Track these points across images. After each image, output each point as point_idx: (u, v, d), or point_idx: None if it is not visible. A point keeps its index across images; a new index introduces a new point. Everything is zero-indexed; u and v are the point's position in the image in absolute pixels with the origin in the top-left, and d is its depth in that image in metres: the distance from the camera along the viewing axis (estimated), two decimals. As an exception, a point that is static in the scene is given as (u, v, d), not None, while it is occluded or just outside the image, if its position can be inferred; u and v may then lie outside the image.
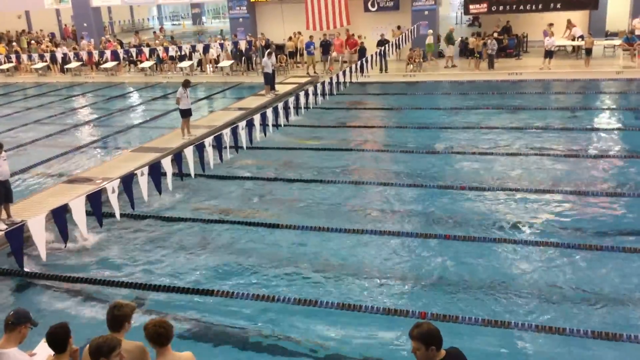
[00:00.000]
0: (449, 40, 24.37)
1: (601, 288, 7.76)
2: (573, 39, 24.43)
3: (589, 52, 22.14)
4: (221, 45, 26.70)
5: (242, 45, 25.76)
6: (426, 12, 25.44)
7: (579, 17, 25.46)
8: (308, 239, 9.73)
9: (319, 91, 17.59)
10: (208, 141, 12.07)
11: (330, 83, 18.29)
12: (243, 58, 25.74)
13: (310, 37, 24.95)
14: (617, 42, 23.48)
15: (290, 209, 11.14)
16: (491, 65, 22.88)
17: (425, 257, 8.94)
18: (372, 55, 21.07)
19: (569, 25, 24.90)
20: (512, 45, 25.09)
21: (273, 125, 14.90)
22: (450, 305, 7.59)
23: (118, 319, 4.42)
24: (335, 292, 8.07)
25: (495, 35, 24.00)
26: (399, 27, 25.04)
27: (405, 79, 23.12)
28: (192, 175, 11.72)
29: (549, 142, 14.19)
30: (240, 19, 28.59)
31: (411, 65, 23.73)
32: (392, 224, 10.19)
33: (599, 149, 13.56)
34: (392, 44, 22.97)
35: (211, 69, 26.65)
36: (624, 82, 20.31)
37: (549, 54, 21.84)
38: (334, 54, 24.92)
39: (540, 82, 21.10)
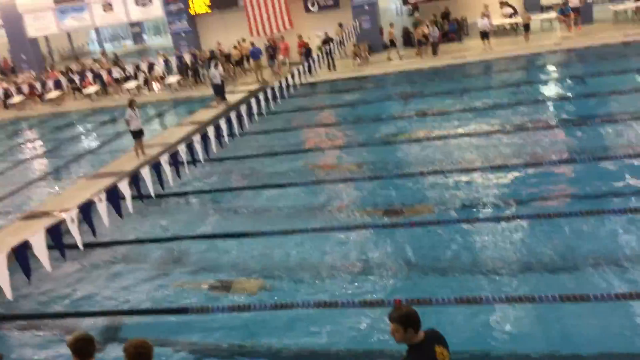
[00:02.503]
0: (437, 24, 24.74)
1: (562, 253, 8.01)
2: (509, 17, 25.07)
3: (527, 27, 22.75)
4: (166, 61, 26.41)
5: (187, 58, 25.53)
6: (366, 7, 25.68)
7: (514, -6, 26.12)
8: (278, 244, 9.73)
9: (270, 96, 17.59)
10: (164, 159, 11.94)
11: (280, 87, 18.31)
12: (189, 72, 25.53)
13: (252, 43, 24.91)
14: (553, 14, 24.20)
15: (256, 216, 11.12)
16: (435, 52, 23.27)
17: (393, 246, 9.06)
18: (318, 55, 21.17)
19: (502, 4, 25.52)
20: (453, 30, 25.56)
21: (228, 136, 14.84)
22: (422, 289, 7.72)
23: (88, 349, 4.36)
24: (311, 291, 8.11)
25: (427, 25, 24.32)
26: (340, 25, 25.23)
27: (354, 74, 23.27)
28: (152, 195, 11.58)
29: (499, 119, 14.53)
30: (183, 33, 28.32)
31: (358, 60, 23.94)
32: (359, 218, 10.28)
33: (547, 120, 13.95)
34: (337, 42, 23.13)
35: (158, 86, 26.33)
36: (563, 53, 20.93)
37: (485, 35, 22.36)
38: (281, 57, 24.94)
39: (484, 62, 21.54)
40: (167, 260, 9.82)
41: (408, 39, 25.95)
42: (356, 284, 8.15)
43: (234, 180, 13.41)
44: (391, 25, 24.40)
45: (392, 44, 24.07)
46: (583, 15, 22.95)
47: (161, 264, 9.73)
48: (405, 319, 3.98)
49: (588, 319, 6.62)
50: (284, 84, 18.44)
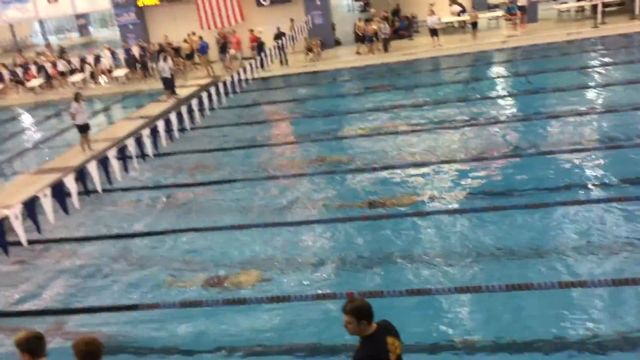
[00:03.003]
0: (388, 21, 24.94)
1: (507, 245, 8.24)
2: (458, 15, 25.59)
3: (474, 25, 23.28)
4: (113, 54, 25.76)
5: (136, 51, 24.98)
6: (318, 2, 25.71)
7: (463, -8, 26.65)
8: (229, 239, 9.65)
9: (221, 91, 17.42)
10: (112, 153, 11.67)
11: (232, 81, 18.16)
12: (138, 65, 24.99)
13: (200, 37, 24.57)
14: (500, 13, 24.83)
15: (207, 211, 11.00)
16: (386, 48, 23.52)
17: (345, 239, 9.13)
18: (270, 49, 21.07)
19: (451, 2, 26.03)
20: (403, 27, 25.89)
21: (179, 130, 14.62)
22: (374, 281, 7.81)
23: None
24: (265, 287, 8.08)
25: (380, 20, 24.57)
26: (292, 20, 25.17)
27: (306, 69, 23.29)
28: (99, 190, 11.30)
29: (448, 114, 14.80)
30: (130, 26, 27.68)
31: (310, 55, 23.96)
32: (311, 213, 10.31)
33: (494, 116, 14.28)
34: (289, 37, 23.09)
35: (105, 79, 25.66)
36: (509, 51, 21.51)
37: (434, 32, 22.77)
38: (232, 51, 24.71)
39: (433, 59, 21.91)
40: (115, 257, 9.60)
41: (359, 36, 26.12)
42: (308, 277, 8.17)
43: (185, 175, 13.21)
44: (359, 20, 24.32)
45: (361, 38, 24.05)
46: (529, 14, 23.64)
47: (108, 260, 9.50)
48: (358, 311, 4.04)
49: (532, 306, 6.84)
50: (235, 79, 18.29)
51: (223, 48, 24.46)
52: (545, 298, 6.92)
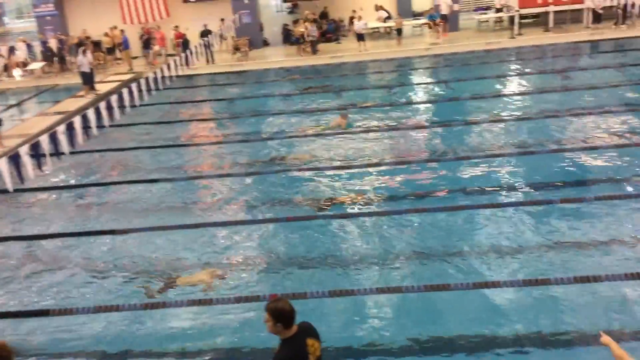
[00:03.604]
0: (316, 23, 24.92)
1: (430, 245, 8.47)
2: (384, 21, 26.10)
3: (399, 31, 23.83)
4: (28, 46, 24.47)
5: (53, 44, 23.83)
6: (246, 1, 25.50)
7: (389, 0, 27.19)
8: (148, 240, 9.36)
9: (143, 88, 16.91)
10: (24, 150, 11.06)
11: (155, 78, 17.67)
12: (55, 58, 23.85)
13: (122, 31, 23.80)
14: (423, 21, 25.53)
15: (125, 212, 10.62)
16: (314, 51, 23.65)
17: (269, 241, 9.08)
18: (196, 47, 20.69)
19: (377, 8, 26.52)
20: (330, 30, 26.12)
21: (97, 127, 14.06)
22: (297, 282, 7.81)
23: None
24: (184, 289, 7.89)
25: (308, 22, 24.68)
26: (222, 20, 24.83)
27: (234, 68, 23.05)
28: (10, 189, 10.68)
29: (373, 118, 15.04)
30: (48, 17, 26.38)
31: (238, 54, 23.73)
32: (236, 213, 10.18)
33: (416, 120, 14.65)
34: (216, 35, 22.76)
35: (19, 73, 24.31)
36: (432, 58, 22.16)
37: (360, 36, 23.14)
38: (156, 47, 24.06)
39: (360, 63, 22.22)
40: (26, 260, 9.09)
41: (288, 36, 26.18)
42: (230, 280, 8.05)
43: (102, 174, 12.71)
44: (304, 20, 24.22)
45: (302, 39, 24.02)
46: (450, 23, 24.44)
47: (19, 263, 8.99)
48: (277, 312, 4.03)
49: (449, 306, 7.04)
50: (158, 75, 17.81)
51: (146, 44, 23.77)
52: (462, 298, 7.14)
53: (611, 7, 22.54)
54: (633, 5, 21.67)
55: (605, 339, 4.21)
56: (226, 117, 17.04)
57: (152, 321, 7.29)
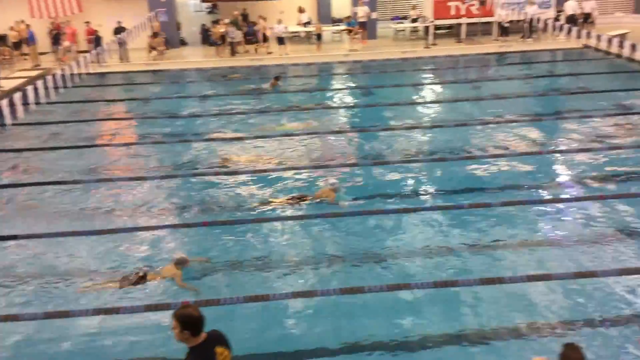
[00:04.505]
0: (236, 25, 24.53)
1: (346, 249, 8.54)
2: (304, 26, 26.24)
3: (319, 37, 24.04)
4: None
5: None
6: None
7: (309, 5, 27.35)
8: (53, 246, 8.85)
9: (50, 85, 16.05)
10: None
11: (64, 75, 16.83)
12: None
13: (27, 25, 22.53)
14: (342, 27, 25.89)
15: (27, 216, 9.99)
16: (233, 52, 23.39)
17: (185, 246, 8.83)
18: (108, 44, 19.91)
19: (300, 10, 26.62)
20: (250, 33, 25.90)
21: (-2, 125, 13.21)
22: (212, 288, 7.64)
23: None
24: (89, 298, 7.52)
25: (226, 22, 24.40)
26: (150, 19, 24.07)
27: (149, 67, 22.37)
28: None
29: (292, 122, 15.04)
30: (-55, 6, 24.54)
31: (154, 53, 23.07)
32: (153, 218, 9.84)
33: (335, 126, 14.76)
34: (132, 32, 22.01)
35: None
36: (351, 64, 22.50)
37: (281, 40, 23.14)
38: (66, 43, 22.94)
39: (280, 66, 22.20)
40: None
41: (206, 37, 25.76)
42: (141, 287, 7.75)
43: (2, 176, 11.93)
44: (264, 18, 23.86)
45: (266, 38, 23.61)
46: (368, 31, 24.92)
47: None
48: (184, 319, 3.92)
49: (365, 309, 7.11)
50: (67, 72, 16.98)
51: (56, 39, 22.63)
52: (376, 301, 7.23)
53: (518, 21, 23.81)
54: (538, 20, 22.97)
55: None
56: (138, 117, 16.48)
57: (56, 330, 6.88)
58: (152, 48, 23.15)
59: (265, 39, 23.61)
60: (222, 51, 23.40)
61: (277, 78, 18.31)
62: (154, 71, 21.93)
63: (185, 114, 16.35)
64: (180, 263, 7.80)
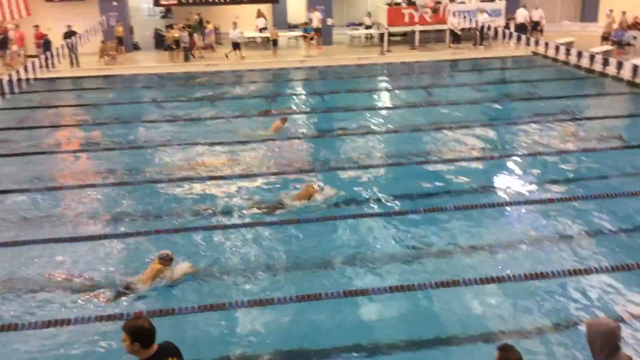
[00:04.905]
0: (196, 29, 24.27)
1: (301, 256, 8.50)
2: (260, 31, 26.19)
3: (275, 42, 24.01)
4: None
5: None
6: (115, 3, 24.40)
7: (265, 10, 27.31)
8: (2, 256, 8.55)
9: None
10: None
11: (10, 81, 16.30)
12: None
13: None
14: (298, 33, 25.95)
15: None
16: (187, 58, 23.13)
17: (136, 254, 8.64)
18: (57, 48, 19.40)
19: (259, 14, 26.53)
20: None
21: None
22: (165, 298, 7.49)
23: None
24: (36, 309, 7.27)
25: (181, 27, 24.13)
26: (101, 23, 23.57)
27: (101, 72, 21.91)
28: None
29: (247, 129, 14.94)
30: None
31: (106, 58, 22.60)
32: (102, 227, 9.60)
33: (292, 132, 14.71)
34: (81, 37, 21.48)
35: None
36: (307, 70, 22.56)
37: (236, 45, 23.04)
38: (14, 47, 22.24)
39: (236, 72, 22.09)
40: None
41: (160, 42, 25.42)
42: (89, 297, 7.54)
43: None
44: (234, 23, 23.55)
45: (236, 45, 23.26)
46: (324, 37, 25.04)
47: None
48: (134, 330, 3.84)
49: (322, 315, 7.10)
50: (14, 77, 16.45)
51: (2, 43, 21.91)
52: (334, 307, 7.23)
53: (470, 28, 24.36)
54: (489, 27, 23.55)
55: None
56: (89, 123, 16.08)
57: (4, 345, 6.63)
58: (103, 53, 22.67)
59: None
60: (177, 56, 23.10)
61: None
62: (105, 76, 21.49)
63: (136, 119, 16.04)
64: (164, 258, 7.68)
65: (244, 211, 10.02)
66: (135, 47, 25.62)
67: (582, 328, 6.54)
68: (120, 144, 13.93)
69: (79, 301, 7.45)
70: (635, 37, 22.20)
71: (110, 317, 6.96)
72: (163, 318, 6.85)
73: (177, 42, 22.97)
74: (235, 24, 23.36)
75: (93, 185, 11.31)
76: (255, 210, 10.03)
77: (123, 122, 15.70)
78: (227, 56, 23.33)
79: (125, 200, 10.65)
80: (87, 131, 15.50)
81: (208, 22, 24.63)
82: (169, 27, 24.84)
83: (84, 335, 6.78)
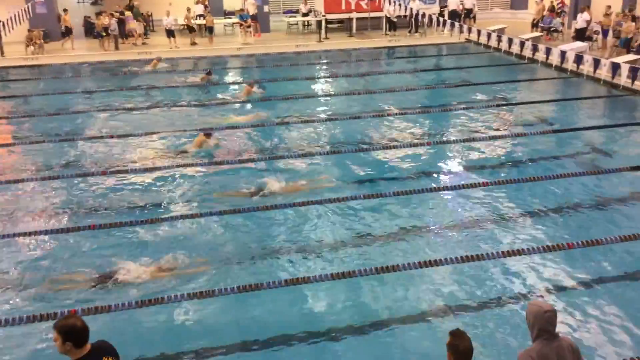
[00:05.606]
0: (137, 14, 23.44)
1: (241, 246, 8.43)
2: (195, 18, 25.57)
3: (210, 30, 23.55)
4: None
5: None
6: (41, -11, 23.28)
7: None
8: None
9: None
10: None
11: None
12: None
13: None
14: (234, 20, 25.54)
15: None
16: (117, 46, 22.38)
17: (72, 250, 8.33)
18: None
19: (197, 1, 25.87)
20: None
21: None
22: (99, 294, 7.26)
23: None
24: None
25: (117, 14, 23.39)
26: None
27: (27, 62, 20.92)
28: None
29: (185, 118, 14.63)
30: None
31: (32, 47, 21.57)
32: (34, 222, 9.19)
33: (230, 121, 14.45)
34: (6, 25, 20.38)
35: None
36: (244, 58, 22.27)
37: (171, 33, 22.48)
38: None
39: (169, 60, 21.47)
40: None
41: (89, 29, 24.49)
42: (19, 297, 7.22)
43: None
44: (168, 12, 22.80)
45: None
46: (262, 24, 24.77)
47: None
48: (66, 329, 3.71)
49: (265, 306, 7.05)
50: None
51: None
52: (275, 296, 7.19)
53: (405, 16, 24.67)
54: (424, 15, 23.90)
55: None
56: (17, 115, 15.34)
57: None
58: (29, 42, 21.62)
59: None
60: (107, 44, 22.31)
61: (208, 73, 17.63)
62: (32, 66, 20.54)
63: (66, 110, 15.43)
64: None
65: (181, 202, 9.83)
66: (64, 35, 24.53)
67: (517, 307, 6.86)
68: (49, 136, 13.34)
69: (8, 298, 7.12)
70: (562, 24, 23.06)
71: (42, 317, 6.67)
72: (99, 315, 6.65)
73: (106, 29, 22.16)
74: (168, 12, 22.76)
75: (21, 181, 10.79)
76: (191, 200, 9.83)
77: (52, 114, 15.05)
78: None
79: (56, 195, 10.24)
80: (13, 123, 14.77)
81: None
82: (99, 14, 23.91)
83: (13, 336, 6.49)
